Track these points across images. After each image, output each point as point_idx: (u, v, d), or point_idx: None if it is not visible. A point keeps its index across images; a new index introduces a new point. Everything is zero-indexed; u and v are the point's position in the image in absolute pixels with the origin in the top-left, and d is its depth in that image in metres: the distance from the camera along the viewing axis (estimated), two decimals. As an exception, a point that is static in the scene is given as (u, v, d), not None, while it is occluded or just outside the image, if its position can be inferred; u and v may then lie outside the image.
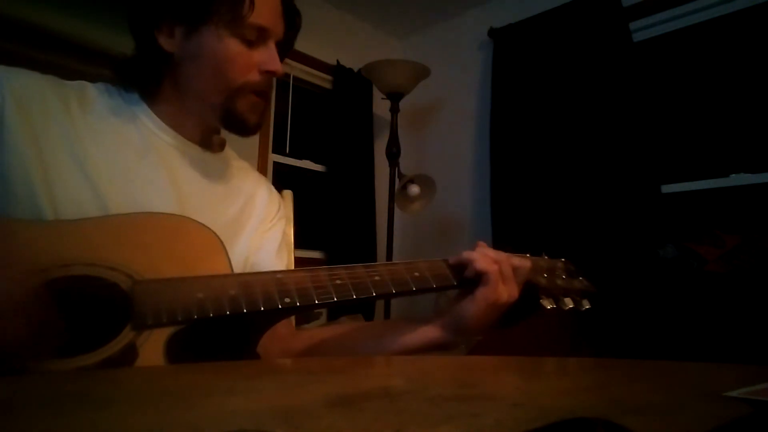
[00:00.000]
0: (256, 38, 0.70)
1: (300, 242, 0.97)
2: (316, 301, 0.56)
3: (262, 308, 0.53)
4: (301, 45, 0.79)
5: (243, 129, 0.74)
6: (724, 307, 1.46)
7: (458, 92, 2.90)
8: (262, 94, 0.73)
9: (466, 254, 0.67)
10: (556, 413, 0.28)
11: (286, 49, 0.77)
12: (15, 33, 1.82)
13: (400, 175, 2.49)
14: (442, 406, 0.29)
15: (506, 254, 0.68)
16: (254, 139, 2.53)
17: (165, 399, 0.31)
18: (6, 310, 0.43)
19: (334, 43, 2.86)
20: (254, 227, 0.79)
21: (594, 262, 0.82)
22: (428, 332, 0.68)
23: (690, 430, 0.27)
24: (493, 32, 2.68)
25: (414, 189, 2.43)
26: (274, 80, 0.77)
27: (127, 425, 0.24)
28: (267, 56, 0.71)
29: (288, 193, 0.96)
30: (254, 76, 0.71)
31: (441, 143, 2.98)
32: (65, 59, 1.92)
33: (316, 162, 2.91)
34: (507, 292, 0.65)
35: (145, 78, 0.73)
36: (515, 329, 1.72)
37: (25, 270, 0.47)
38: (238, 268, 0.72)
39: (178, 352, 0.49)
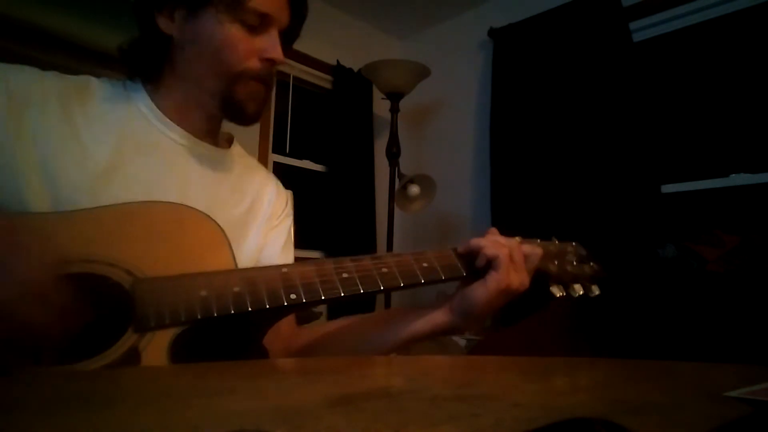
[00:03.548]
0: (258, 24, 0.69)
1: (300, 242, 0.97)
2: (323, 297, 0.54)
3: (268, 306, 0.51)
4: (301, 45, 0.78)
5: (242, 117, 0.73)
6: (724, 307, 1.46)
7: (458, 92, 2.90)
8: (263, 81, 0.72)
9: (475, 241, 0.65)
10: (556, 413, 0.28)
11: (291, 39, 0.76)
12: (15, 33, 1.82)
13: (400, 175, 2.48)
14: (442, 406, 0.29)
15: (517, 241, 0.67)
16: (254, 139, 2.52)
17: (165, 399, 0.31)
18: (28, 294, 0.42)
19: (334, 43, 2.86)
20: (261, 225, 0.78)
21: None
22: (436, 317, 0.67)
23: (690, 430, 0.27)
24: (493, 32, 2.67)
25: (414, 189, 2.43)
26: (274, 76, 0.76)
27: (127, 425, 0.24)
28: (268, 43, 0.70)
29: (288, 193, 0.96)
30: (254, 63, 0.70)
31: (441, 143, 2.98)
32: (65, 59, 1.92)
33: (316, 162, 2.91)
34: (518, 279, 0.64)
35: (146, 63, 0.72)
36: (515, 330, 1.71)
37: (42, 260, 0.45)
38: (246, 266, 0.72)
39: (182, 355, 0.48)
